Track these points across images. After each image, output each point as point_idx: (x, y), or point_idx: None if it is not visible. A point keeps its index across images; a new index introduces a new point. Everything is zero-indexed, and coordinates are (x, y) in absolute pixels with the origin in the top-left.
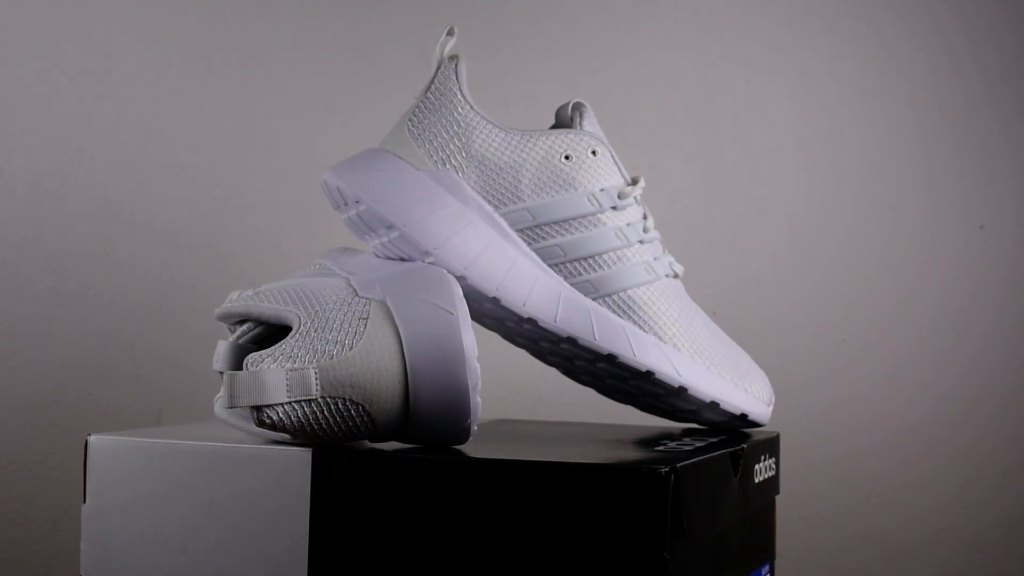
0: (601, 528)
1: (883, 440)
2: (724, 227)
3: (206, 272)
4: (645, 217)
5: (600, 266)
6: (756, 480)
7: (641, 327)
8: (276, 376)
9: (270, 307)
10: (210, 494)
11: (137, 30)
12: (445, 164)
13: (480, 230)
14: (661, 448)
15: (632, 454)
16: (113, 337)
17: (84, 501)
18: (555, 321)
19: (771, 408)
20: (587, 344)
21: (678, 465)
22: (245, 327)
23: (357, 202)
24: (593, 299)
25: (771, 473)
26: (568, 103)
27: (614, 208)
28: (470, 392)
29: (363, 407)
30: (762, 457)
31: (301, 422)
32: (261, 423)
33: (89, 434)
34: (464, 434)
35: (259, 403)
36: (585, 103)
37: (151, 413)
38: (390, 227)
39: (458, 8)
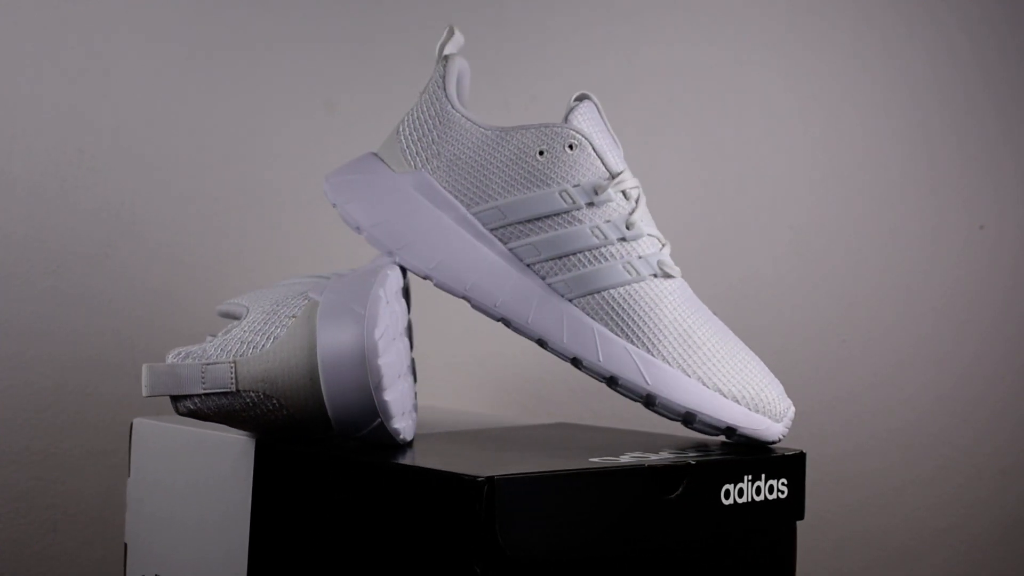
0: (428, 534)
1: (883, 440)
2: (725, 227)
3: (206, 272)
4: (632, 213)
5: (576, 265)
6: (727, 502)
7: (614, 330)
8: (191, 370)
9: (238, 305)
10: (193, 475)
11: (137, 30)
12: (422, 165)
13: (449, 230)
14: (596, 460)
15: (534, 462)
16: (113, 337)
17: (129, 475)
18: (527, 322)
19: (782, 424)
20: (555, 346)
21: (495, 476)
22: (230, 324)
23: (334, 205)
24: (570, 300)
25: (776, 496)
26: (572, 96)
27: (591, 204)
28: (372, 391)
29: (278, 401)
30: (746, 477)
31: (221, 412)
32: (178, 411)
33: (134, 418)
34: (378, 432)
35: (174, 393)
36: (591, 95)
37: (151, 413)
38: (358, 228)
39: (458, 8)
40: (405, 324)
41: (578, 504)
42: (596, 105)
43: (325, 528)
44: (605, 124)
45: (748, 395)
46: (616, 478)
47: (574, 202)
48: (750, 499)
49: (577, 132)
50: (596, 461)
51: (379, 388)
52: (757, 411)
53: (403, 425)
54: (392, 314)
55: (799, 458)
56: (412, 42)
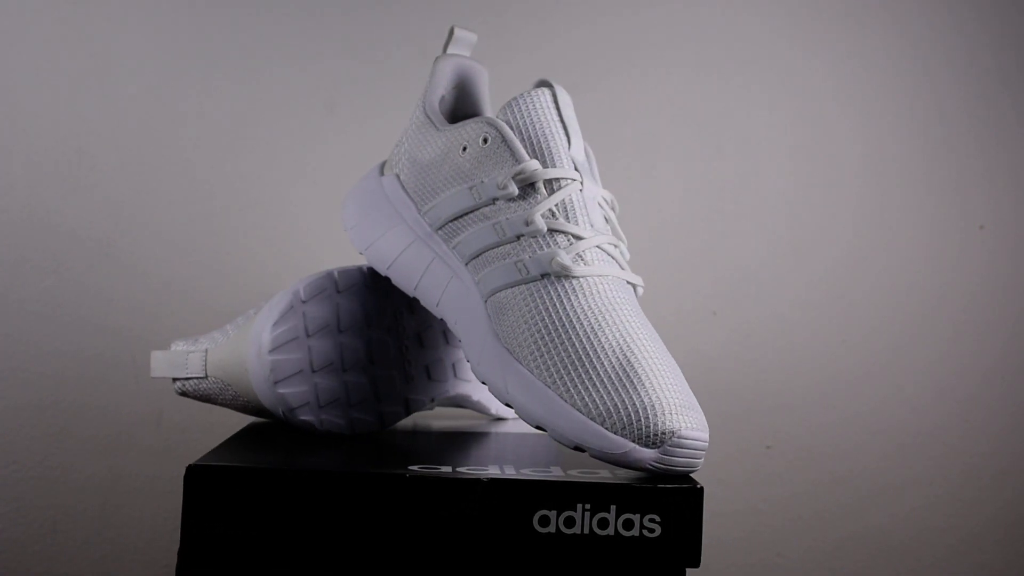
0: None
1: (882, 439)
2: (724, 228)
3: (206, 272)
4: (534, 207)
5: (485, 264)
6: (544, 530)
7: (498, 333)
8: (180, 356)
9: None
10: None
11: (137, 30)
12: (397, 168)
13: (402, 232)
14: (416, 468)
15: (334, 459)
16: (114, 337)
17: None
18: (455, 325)
19: (657, 451)
20: (464, 350)
21: (193, 464)
22: None
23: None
24: (485, 301)
25: (639, 533)
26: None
27: (495, 200)
28: (264, 383)
29: (233, 388)
30: (582, 506)
31: (201, 394)
32: (176, 392)
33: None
34: (294, 421)
35: (169, 376)
36: (549, 82)
37: (151, 414)
38: (345, 230)
39: (459, 9)
40: (365, 322)
41: (290, 505)
42: (552, 93)
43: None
44: (556, 114)
45: (610, 412)
46: (356, 484)
47: (481, 198)
48: (586, 531)
49: (491, 125)
50: (414, 469)
51: (269, 380)
52: (618, 432)
53: (320, 418)
54: (315, 311)
55: (686, 493)
56: (412, 43)
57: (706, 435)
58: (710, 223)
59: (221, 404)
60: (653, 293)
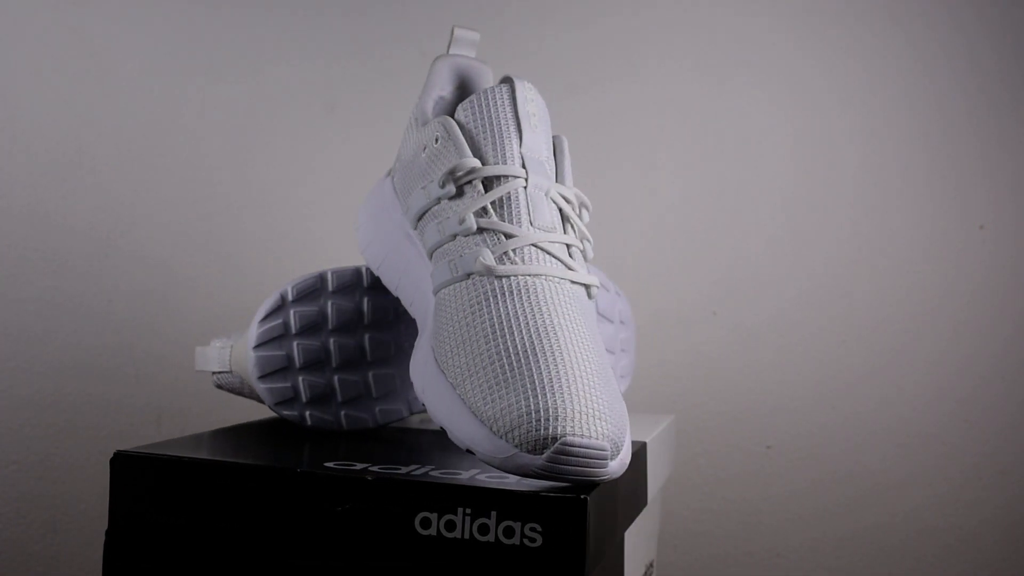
0: None
1: (882, 439)
2: (724, 227)
3: (206, 272)
4: (470, 206)
5: (434, 263)
6: (426, 532)
7: (431, 333)
8: (213, 351)
9: None
10: None
11: (137, 30)
12: (393, 169)
13: (391, 232)
14: (332, 464)
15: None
16: (113, 337)
17: None
18: (418, 324)
19: (543, 459)
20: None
21: (120, 451)
22: None
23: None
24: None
25: (519, 542)
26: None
27: (439, 200)
28: (252, 378)
29: (247, 382)
30: (463, 510)
31: (232, 388)
32: (214, 384)
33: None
34: (282, 415)
35: (206, 370)
36: (512, 78)
37: (151, 413)
38: (355, 231)
39: (459, 9)
40: (360, 321)
41: (196, 493)
42: (511, 89)
43: None
44: (511, 110)
45: (499, 415)
46: (252, 476)
47: (430, 197)
48: (466, 536)
49: (442, 124)
50: (330, 466)
51: (254, 375)
52: (503, 435)
53: (306, 413)
54: (304, 310)
55: (569, 503)
56: (412, 43)
57: (605, 444)
58: (710, 223)
59: (247, 397)
60: (653, 293)
